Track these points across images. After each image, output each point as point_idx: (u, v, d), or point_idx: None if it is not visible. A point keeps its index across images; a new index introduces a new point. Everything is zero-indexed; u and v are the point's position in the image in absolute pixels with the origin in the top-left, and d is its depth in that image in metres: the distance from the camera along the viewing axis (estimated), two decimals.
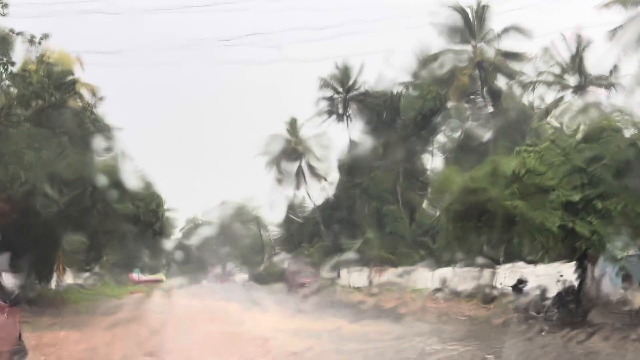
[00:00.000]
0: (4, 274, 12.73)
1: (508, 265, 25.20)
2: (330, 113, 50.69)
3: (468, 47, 35.95)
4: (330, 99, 50.47)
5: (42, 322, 19.22)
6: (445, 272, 30.64)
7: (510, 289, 19.39)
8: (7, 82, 22.68)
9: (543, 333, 15.35)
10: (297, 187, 58.36)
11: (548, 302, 18.26)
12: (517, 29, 34.72)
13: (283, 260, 69.66)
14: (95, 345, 13.91)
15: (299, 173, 56.72)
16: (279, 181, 58.14)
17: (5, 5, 23.74)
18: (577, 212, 14.74)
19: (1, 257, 21.65)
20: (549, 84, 33.74)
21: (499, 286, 24.38)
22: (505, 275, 24.61)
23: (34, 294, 26.93)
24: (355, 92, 49.53)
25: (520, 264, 24.07)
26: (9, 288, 10.57)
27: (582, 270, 17.16)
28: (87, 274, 44.18)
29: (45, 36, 22.19)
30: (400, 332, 15.23)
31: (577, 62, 33.16)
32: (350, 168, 47.67)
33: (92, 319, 21.32)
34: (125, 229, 25.51)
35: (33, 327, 17.39)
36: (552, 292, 18.31)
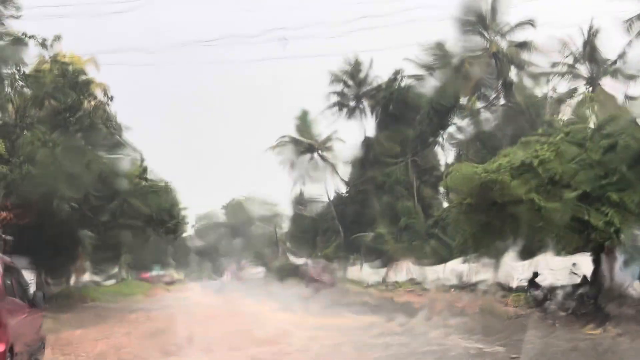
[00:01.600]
0: (24, 274, 12.90)
1: (524, 259, 25.05)
2: (342, 108, 50.64)
3: (482, 39, 35.72)
4: (342, 94, 50.41)
5: (61, 320, 19.49)
6: (460, 265, 30.55)
7: (526, 282, 19.26)
8: (21, 84, 22.98)
9: (558, 325, 15.29)
10: (310, 182, 58.52)
11: (563, 295, 18.15)
12: (531, 20, 34.46)
13: (297, 256, 69.90)
14: (113, 342, 14.08)
15: (311, 169, 56.79)
16: (293, 177, 58.33)
17: (18, 8, 24.08)
18: (592, 203, 14.61)
19: (19, 256, 21.92)
20: (562, 75, 33.45)
21: (514, 279, 24.26)
22: (521, 269, 24.48)
23: (53, 293, 27.31)
24: (367, 87, 49.42)
25: (536, 257, 23.95)
26: (28, 287, 10.75)
27: (597, 262, 17.01)
28: (104, 272, 44.65)
29: (57, 38, 22.46)
30: (416, 327, 15.26)
31: (591, 53, 32.84)
32: (364, 163, 47.62)
33: (109, 317, 21.58)
34: (140, 227, 25.72)
35: (52, 325, 17.64)
36: (567, 285, 18.20)
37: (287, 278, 66.45)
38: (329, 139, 55.86)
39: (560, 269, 21.38)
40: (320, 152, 56.53)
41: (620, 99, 31.16)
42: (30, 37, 22.17)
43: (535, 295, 17.89)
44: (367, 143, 48.78)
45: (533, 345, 11.93)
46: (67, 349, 13.08)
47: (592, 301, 16.74)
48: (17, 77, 22.39)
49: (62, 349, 13.05)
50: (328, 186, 57.66)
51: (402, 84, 46.06)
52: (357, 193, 49.78)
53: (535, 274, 18.75)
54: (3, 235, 21.67)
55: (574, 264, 18.12)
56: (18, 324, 8.22)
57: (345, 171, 54.77)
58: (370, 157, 46.74)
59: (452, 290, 29.49)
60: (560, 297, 18.33)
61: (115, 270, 49.88)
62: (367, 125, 49.87)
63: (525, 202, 14.40)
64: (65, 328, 17.42)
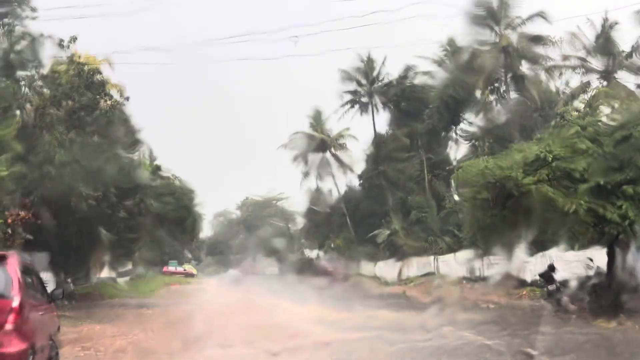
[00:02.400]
0: (42, 272, 13.17)
1: (537, 253, 25.01)
2: (354, 104, 50.65)
3: (492, 33, 35.48)
4: (354, 91, 50.43)
5: (80, 317, 19.82)
6: (474, 260, 30.51)
7: (540, 276, 19.22)
8: (40, 84, 23.31)
9: (572, 318, 15.29)
10: (322, 178, 58.62)
11: (578, 288, 18.11)
12: (542, 13, 34.13)
13: (311, 251, 70.10)
14: (131, 338, 14.29)
15: (324, 164, 56.90)
16: (305, 173, 58.48)
17: (34, 9, 24.44)
18: (606, 197, 14.56)
19: (40, 255, 22.35)
20: (574, 69, 33.12)
21: (528, 273, 24.23)
22: (535, 263, 24.44)
23: (72, 290, 27.73)
24: (379, 83, 49.38)
25: (550, 251, 23.88)
26: (47, 285, 10.99)
27: (612, 256, 16.95)
28: (122, 269, 45.16)
29: (73, 39, 22.71)
30: (428, 321, 15.30)
31: (603, 46, 32.45)
32: (376, 158, 47.62)
33: (127, 313, 21.85)
34: (157, 224, 26.01)
35: (71, 321, 17.97)
36: (581, 278, 18.15)
37: (301, 273, 66.78)
38: (341, 135, 55.94)
39: (575, 262, 21.33)
40: (332, 148, 56.64)
41: (634, 91, 30.86)
42: (47, 38, 22.52)
43: (549, 288, 17.84)
44: (379, 139, 48.78)
45: (547, 338, 11.96)
46: (87, 345, 13.26)
47: (606, 294, 16.71)
48: (36, 77, 22.71)
49: (81, 345, 13.24)
50: (341, 182, 57.82)
51: (414, 80, 46.03)
52: (369, 188, 49.83)
53: (551, 267, 18.68)
54: (23, 234, 22.04)
55: (589, 258, 18.04)
56: (38, 321, 8.41)
57: (358, 167, 54.87)
58: (382, 153, 46.75)
59: (465, 283, 29.51)
60: (575, 290, 18.31)
61: (133, 266, 50.49)
62: (379, 121, 49.93)
63: (539, 197, 14.39)
64: (84, 324, 17.72)
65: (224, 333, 14.29)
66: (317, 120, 56.75)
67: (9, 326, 7.24)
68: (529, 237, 27.88)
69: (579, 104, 31.48)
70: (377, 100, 49.59)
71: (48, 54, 23.41)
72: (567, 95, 34.05)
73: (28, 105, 23.19)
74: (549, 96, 37.36)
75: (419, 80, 45.99)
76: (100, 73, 23.99)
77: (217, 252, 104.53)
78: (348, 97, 50.56)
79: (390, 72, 48.94)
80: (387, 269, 42.84)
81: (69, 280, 28.32)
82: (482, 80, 36.33)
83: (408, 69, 46.08)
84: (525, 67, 37.31)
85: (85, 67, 23.05)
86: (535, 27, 34.89)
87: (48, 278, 22.69)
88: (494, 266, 28.09)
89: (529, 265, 24.96)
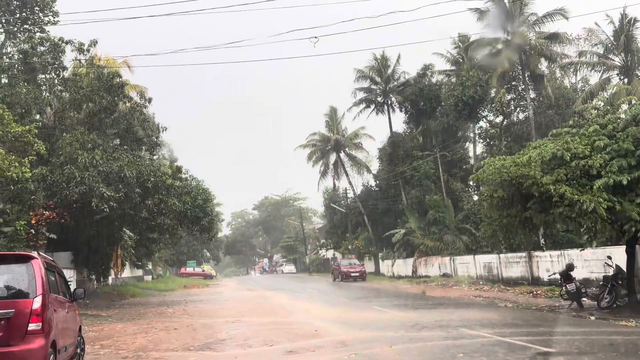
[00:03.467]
0: (65, 271, 13.42)
1: (555, 251, 24.86)
2: (369, 104, 50.68)
3: (508, 31, 35.21)
4: (369, 90, 50.44)
5: (102, 315, 20.16)
6: (491, 259, 30.40)
7: (558, 275, 19.08)
8: (60, 87, 23.70)
9: (592, 318, 15.18)
10: (339, 178, 58.74)
11: (597, 287, 17.96)
12: (560, 10, 33.75)
13: (327, 251, 70.25)
14: (151, 337, 14.50)
15: (340, 164, 57.02)
16: (322, 173, 58.66)
17: (55, 14, 24.87)
18: (625, 194, 14.43)
19: (62, 254, 22.78)
20: (592, 66, 32.70)
21: (546, 272, 24.06)
22: (553, 262, 24.28)
23: (94, 289, 28.18)
24: (394, 82, 49.36)
25: (568, 249, 23.73)
26: (70, 284, 11.21)
27: (631, 254, 16.78)
28: (142, 269, 45.71)
29: (93, 42, 23.05)
30: (447, 321, 15.29)
31: (623, 42, 32.03)
32: (392, 158, 47.59)
33: (148, 312, 22.15)
34: (175, 225, 26.31)
35: (92, 320, 18.32)
36: (601, 277, 17.99)
37: (318, 272, 66.97)
38: (357, 134, 56.01)
39: (593, 260, 21.17)
40: (348, 148, 56.75)
41: None
42: (67, 43, 22.87)
43: (568, 287, 17.71)
44: (395, 138, 48.74)
45: (566, 337, 11.92)
46: (108, 343, 13.49)
47: (626, 293, 16.56)
48: (56, 81, 23.09)
49: (102, 343, 13.48)
50: (357, 181, 57.90)
51: (431, 79, 45.96)
52: (386, 187, 49.81)
53: (570, 267, 18.53)
54: (47, 234, 22.46)
55: (608, 257, 17.87)
56: (61, 320, 8.60)
57: (374, 166, 54.96)
58: (398, 152, 46.71)
59: (482, 283, 29.38)
60: (594, 290, 18.17)
61: (153, 265, 51.07)
62: (395, 120, 49.97)
63: (557, 195, 14.28)
64: (106, 323, 18.03)
65: (244, 332, 14.46)
66: (334, 120, 56.94)
67: (32, 325, 7.42)
68: (547, 236, 27.77)
69: (598, 102, 31.10)
70: (392, 99, 49.58)
71: (69, 58, 23.84)
72: (586, 92, 33.66)
73: (48, 109, 23.62)
74: (567, 93, 37.04)
75: (435, 78, 45.94)
76: (119, 76, 24.30)
77: (236, 252, 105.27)
78: (364, 96, 50.64)
79: (407, 70, 49.01)
80: (404, 268, 42.81)
81: (92, 278, 28.80)
82: (496, 78, 36.10)
83: (426, 67, 45.98)
84: (542, 65, 37.02)
85: (105, 70, 23.36)
86: (552, 25, 34.58)
87: (71, 277, 23.11)
88: (512, 265, 27.95)
89: (547, 264, 24.81)
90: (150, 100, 26.03)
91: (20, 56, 22.64)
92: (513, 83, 38.54)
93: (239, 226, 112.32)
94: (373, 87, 50.28)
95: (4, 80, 22.51)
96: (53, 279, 8.80)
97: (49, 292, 8.03)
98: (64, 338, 8.73)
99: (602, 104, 29.18)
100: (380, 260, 49.79)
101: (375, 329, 14.09)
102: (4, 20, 25.99)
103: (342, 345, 11.81)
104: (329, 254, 68.82)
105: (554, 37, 34.40)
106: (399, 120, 50.62)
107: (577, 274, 19.17)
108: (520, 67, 35.83)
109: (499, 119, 39.90)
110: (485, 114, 41.25)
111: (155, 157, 24.73)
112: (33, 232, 21.17)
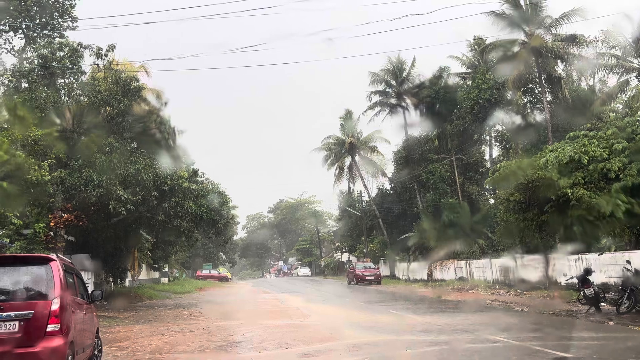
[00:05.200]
0: (82, 273, 13.58)
1: (573, 255, 24.57)
2: (384, 106, 50.59)
3: (524, 34, 34.91)
4: (384, 92, 50.35)
5: (119, 317, 20.34)
6: (507, 262, 30.12)
7: (576, 279, 18.85)
8: (79, 92, 24.00)
9: (610, 323, 14.99)
10: (354, 181, 58.68)
11: (616, 292, 17.73)
12: (575, 11, 33.40)
13: (341, 254, 70.17)
14: (167, 338, 14.60)
15: (355, 167, 56.98)
16: (337, 176, 58.64)
17: (74, 19, 25.20)
18: None
19: (80, 257, 23.03)
20: (611, 68, 32.25)
21: (564, 276, 23.79)
22: (570, 265, 24.00)
23: (112, 291, 28.45)
24: (410, 85, 49.19)
25: (586, 253, 23.44)
26: (87, 286, 11.35)
27: None
28: (158, 271, 46.02)
29: (111, 47, 23.33)
30: (463, 325, 15.21)
31: None
32: (407, 160, 47.42)
33: (164, 314, 22.31)
34: (191, 228, 26.49)
35: (109, 321, 18.49)
36: (620, 281, 17.74)
37: (333, 275, 66.91)
38: (372, 138, 55.95)
39: (612, 265, 20.89)
40: (363, 151, 56.68)
41: None
42: (85, 48, 23.17)
43: (586, 292, 17.49)
44: (411, 141, 48.57)
45: (583, 342, 11.78)
46: (125, 344, 13.61)
47: None
48: (75, 86, 23.40)
49: (119, 344, 13.60)
50: (372, 184, 57.77)
51: (447, 81, 45.75)
52: (401, 190, 49.64)
53: (587, 271, 18.29)
54: (65, 236, 22.74)
55: (627, 261, 17.62)
56: (79, 321, 8.69)
57: (389, 169, 54.80)
58: (414, 155, 46.53)
59: (499, 287, 29.14)
60: (613, 294, 17.93)
61: (169, 268, 51.41)
62: (410, 123, 49.74)
63: (574, 199, 14.18)
64: (122, 324, 18.20)
65: (259, 335, 14.51)
66: (348, 123, 56.92)
67: (50, 327, 7.53)
68: (564, 239, 27.46)
69: (616, 105, 30.70)
70: (408, 102, 49.43)
71: (87, 62, 24.15)
72: (604, 95, 33.24)
73: (67, 113, 23.92)
74: (584, 96, 36.61)
75: (451, 81, 45.71)
76: (137, 80, 24.55)
77: (251, 255, 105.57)
78: (379, 99, 50.57)
79: (422, 73, 48.77)
80: (419, 271, 42.60)
81: (110, 280, 29.07)
82: (512, 82, 35.80)
83: (441, 70, 45.80)
84: (559, 67, 36.64)
85: (123, 75, 23.61)
86: (569, 27, 34.20)
87: (88, 279, 23.37)
88: (528, 269, 27.67)
89: (564, 268, 24.51)
90: (166, 103, 26.31)
91: (40, 61, 22.97)
92: (529, 85, 38.19)
93: (254, 229, 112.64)
94: (388, 90, 50.17)
95: (24, 85, 22.86)
96: (71, 280, 8.90)
97: (67, 293, 8.13)
98: (82, 339, 8.82)
99: (621, 106, 28.81)
100: (395, 264, 49.60)
101: (391, 333, 14.06)
102: (24, 26, 26.41)
103: (357, 348, 11.80)
104: (344, 257, 68.73)
105: (571, 39, 34.02)
106: (414, 123, 50.26)
107: (595, 278, 18.92)
108: (536, 70, 35.50)
109: (515, 122, 39.57)
110: (501, 116, 40.95)
111: (172, 160, 24.91)
112: (52, 234, 21.45)
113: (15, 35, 26.70)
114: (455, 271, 36.91)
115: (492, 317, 17.41)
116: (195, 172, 26.31)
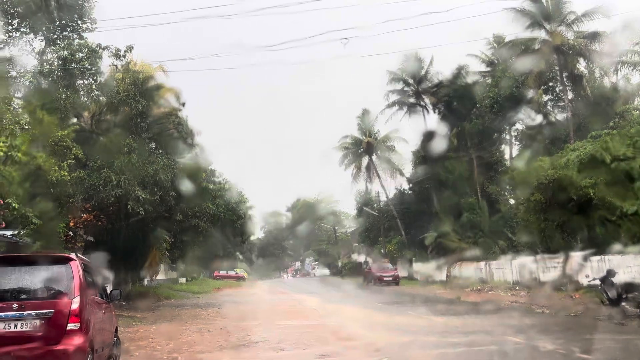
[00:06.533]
0: (101, 273, 13.66)
1: (595, 256, 24.14)
2: (402, 105, 50.29)
3: (545, 31, 34.47)
4: (402, 91, 50.03)
5: (137, 317, 20.46)
6: (527, 263, 29.73)
7: (598, 280, 18.50)
8: (97, 92, 24.22)
9: (635, 325, 14.69)
10: (371, 181, 58.45)
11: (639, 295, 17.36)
12: (598, 7, 32.91)
13: (360, 254, 69.96)
14: (185, 338, 14.65)
15: (373, 167, 56.77)
16: (354, 176, 58.48)
17: (93, 21, 25.43)
18: None
19: (98, 256, 23.22)
20: (634, 65, 31.68)
21: (585, 277, 23.39)
22: (593, 267, 23.58)
23: (130, 291, 28.65)
24: (428, 84, 48.83)
25: (609, 254, 23.01)
26: (106, 286, 11.40)
27: None
28: (176, 271, 46.27)
29: (129, 48, 23.51)
30: (482, 326, 15.02)
31: None
32: (426, 159, 47.06)
33: (182, 314, 22.41)
34: (209, 227, 26.58)
35: (128, 321, 18.61)
36: None
37: (350, 276, 66.77)
38: (389, 137, 55.66)
39: (636, 267, 20.47)
40: (380, 151, 56.43)
41: None
42: (104, 49, 23.38)
43: (609, 294, 17.16)
44: (429, 139, 48.17)
45: (605, 345, 11.55)
46: (142, 344, 13.68)
47: None
48: (94, 87, 23.63)
49: (137, 344, 13.67)
50: (390, 184, 57.44)
51: (466, 80, 45.32)
52: (419, 190, 49.30)
53: (610, 272, 17.95)
54: (84, 236, 22.96)
55: None
56: (98, 320, 8.73)
57: (407, 169, 54.46)
58: (432, 154, 46.14)
59: (519, 288, 28.77)
60: (636, 296, 17.56)
61: (186, 268, 51.66)
62: (428, 122, 49.38)
63: (596, 198, 13.92)
64: (141, 324, 18.31)
65: (276, 335, 14.47)
66: (366, 123, 56.69)
67: (70, 325, 7.59)
68: (585, 240, 27.03)
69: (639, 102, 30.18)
70: (426, 100, 49.07)
71: (106, 63, 24.37)
72: (628, 93, 32.67)
73: (86, 113, 24.18)
74: (607, 93, 36.01)
75: (470, 79, 45.25)
76: (154, 80, 24.70)
77: (268, 254, 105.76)
78: (396, 98, 50.28)
79: (440, 71, 48.36)
80: (438, 272, 42.26)
81: (128, 280, 29.28)
82: (532, 79, 35.34)
83: (460, 68, 45.37)
84: (580, 65, 36.12)
85: (140, 76, 23.78)
86: (591, 24, 33.68)
87: (107, 278, 23.54)
88: (549, 270, 27.27)
89: (586, 269, 24.10)
90: (184, 104, 26.45)
91: (60, 62, 23.21)
92: (550, 84, 37.67)
93: (272, 228, 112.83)
94: (406, 89, 49.84)
95: (44, 86, 23.11)
96: (90, 280, 8.96)
97: (87, 293, 8.19)
98: (101, 338, 8.88)
99: None
100: (413, 264, 49.29)
101: (409, 334, 13.93)
102: (44, 28, 26.69)
103: (375, 349, 11.71)
104: (361, 257, 68.51)
105: (594, 37, 33.49)
106: (432, 123, 49.88)
107: (618, 279, 18.55)
108: (557, 67, 35.02)
109: (536, 121, 39.08)
110: (521, 115, 40.47)
111: (190, 160, 25.04)
112: (71, 234, 21.65)
113: (35, 37, 26.99)
114: (474, 272, 36.53)
115: (512, 318, 17.18)
116: (212, 172, 26.41)
